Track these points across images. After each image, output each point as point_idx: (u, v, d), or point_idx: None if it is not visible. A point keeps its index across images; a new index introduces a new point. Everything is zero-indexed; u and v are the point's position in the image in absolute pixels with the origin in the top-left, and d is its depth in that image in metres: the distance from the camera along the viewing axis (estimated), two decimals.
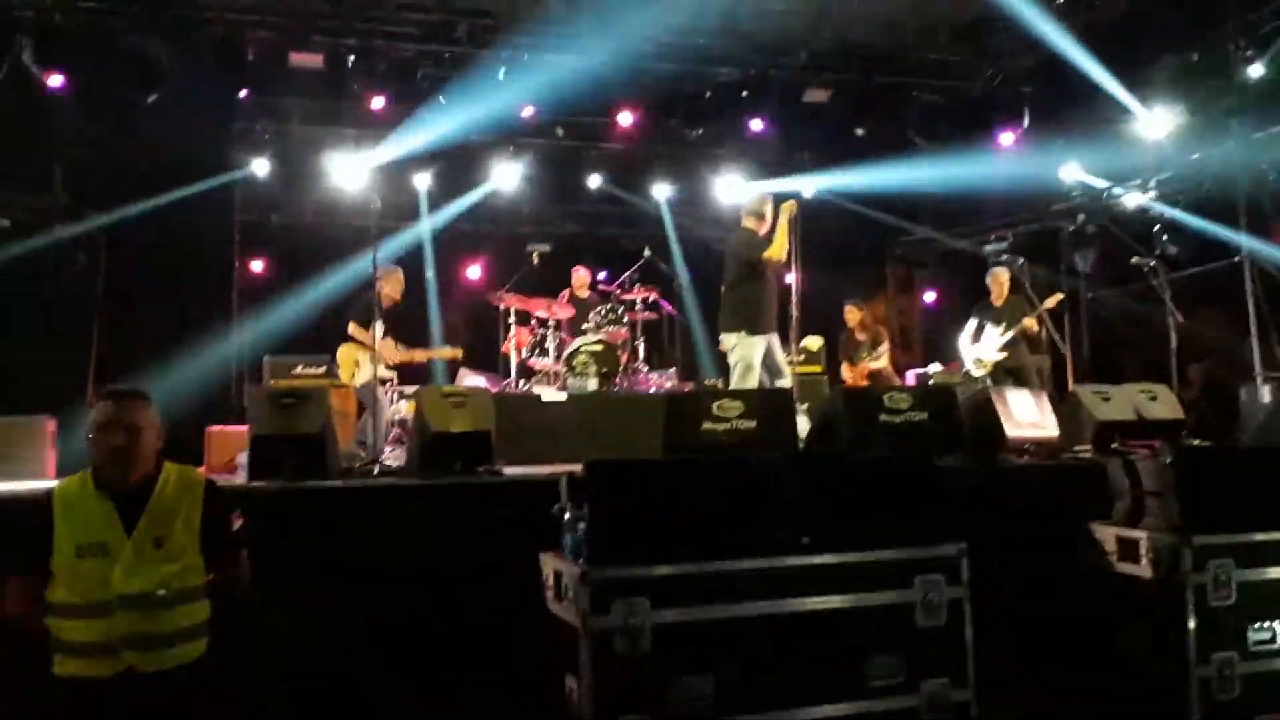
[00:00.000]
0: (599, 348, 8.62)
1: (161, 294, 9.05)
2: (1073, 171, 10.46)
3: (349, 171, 10.38)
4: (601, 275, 10.08)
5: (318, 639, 4.04)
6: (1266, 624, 3.89)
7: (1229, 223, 9.00)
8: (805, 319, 7.46)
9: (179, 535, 3.14)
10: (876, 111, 10.82)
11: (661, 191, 12.15)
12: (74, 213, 8.85)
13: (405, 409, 7.12)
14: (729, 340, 7.23)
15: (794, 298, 7.18)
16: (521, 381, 8.89)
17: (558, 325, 9.04)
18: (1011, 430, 5.57)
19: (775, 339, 7.25)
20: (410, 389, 7.39)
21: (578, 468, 3.62)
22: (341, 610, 4.11)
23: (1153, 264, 7.62)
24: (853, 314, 10.31)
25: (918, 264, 13.59)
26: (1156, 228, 9.77)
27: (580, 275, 9.86)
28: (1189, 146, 9.47)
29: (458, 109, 9.70)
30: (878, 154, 10.73)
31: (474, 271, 12.40)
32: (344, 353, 7.58)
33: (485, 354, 9.78)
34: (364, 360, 7.41)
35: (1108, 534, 4.27)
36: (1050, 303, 8.80)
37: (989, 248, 10.57)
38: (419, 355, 8.24)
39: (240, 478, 4.96)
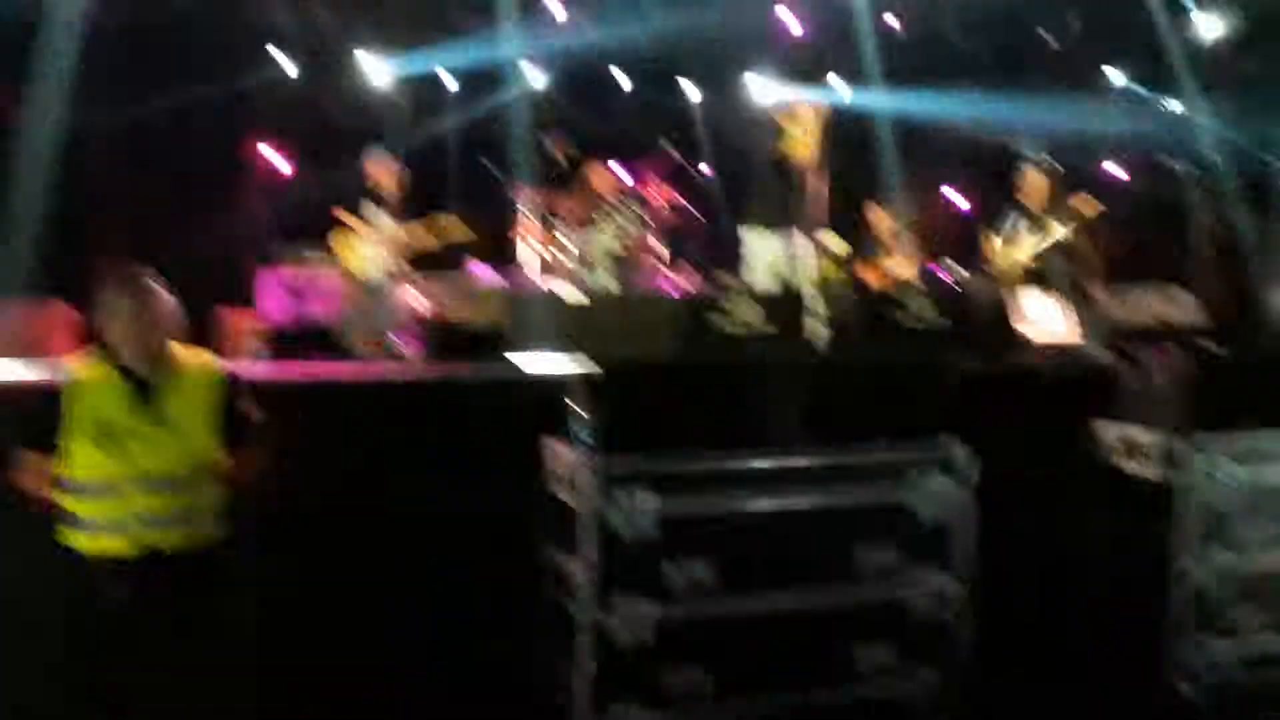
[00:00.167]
0: (618, 246, 8.59)
1: (176, 179, 9.03)
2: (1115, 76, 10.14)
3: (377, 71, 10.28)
4: (623, 174, 9.96)
5: (328, 527, 4.14)
6: (1261, 523, 3.93)
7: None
8: (828, 219, 7.40)
9: (194, 419, 3.19)
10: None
11: (691, 91, 11.92)
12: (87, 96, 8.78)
13: (419, 299, 7.13)
14: (751, 239, 7.21)
15: (816, 198, 7.10)
16: (539, 278, 8.89)
17: (578, 223, 8.99)
18: (1029, 333, 5.55)
19: (799, 238, 7.20)
20: (423, 279, 7.38)
21: (591, 364, 3.68)
22: (352, 498, 4.21)
23: (1187, 169, 7.45)
24: (877, 215, 10.16)
25: (942, 164, 13.33)
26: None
27: (601, 173, 9.75)
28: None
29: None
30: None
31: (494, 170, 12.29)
32: (341, 242, 7.48)
33: (503, 250, 9.76)
34: (366, 249, 7.34)
35: (1113, 433, 4.30)
36: (1087, 210, 8.59)
37: (1018, 148, 10.33)
38: (425, 240, 7.84)
39: (255, 362, 5.02)
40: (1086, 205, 8.57)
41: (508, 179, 9.71)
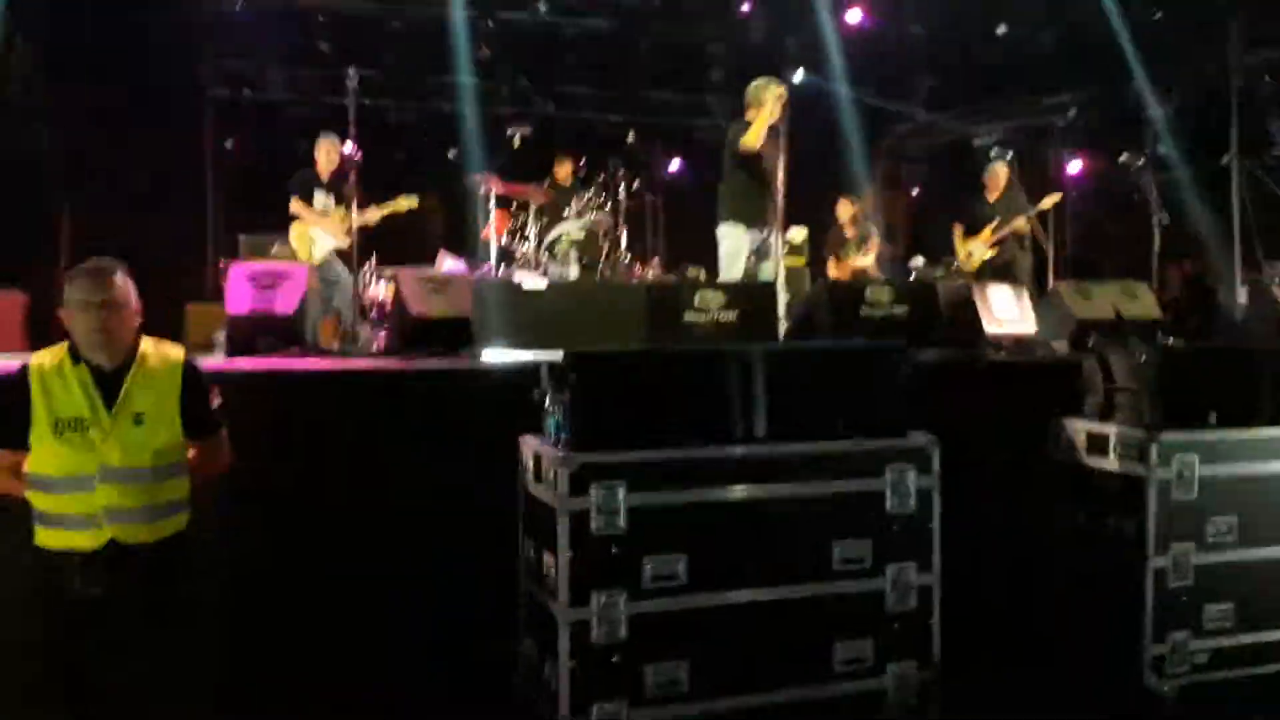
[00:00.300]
0: (581, 235, 8.53)
1: (134, 168, 8.84)
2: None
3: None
4: (584, 162, 9.91)
5: (296, 518, 4.09)
6: (1224, 518, 4.00)
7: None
8: (791, 211, 7.39)
9: (159, 411, 3.14)
10: None
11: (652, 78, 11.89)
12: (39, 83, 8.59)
13: (384, 291, 7.06)
14: (720, 230, 7.19)
15: (780, 189, 7.09)
16: (501, 267, 8.82)
17: (540, 211, 8.92)
18: (990, 326, 5.62)
19: (767, 231, 7.18)
20: (389, 270, 7.29)
21: (558, 355, 3.66)
22: (320, 490, 4.16)
23: (1140, 163, 7.58)
24: (845, 208, 10.18)
25: (906, 158, 13.44)
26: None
27: (563, 161, 9.70)
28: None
29: None
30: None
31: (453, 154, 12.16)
32: (295, 231, 7.37)
33: (464, 238, 9.68)
34: (318, 235, 7.23)
35: (1078, 428, 4.35)
36: (1047, 203, 8.73)
37: (979, 141, 10.45)
38: (371, 215, 7.65)
39: (218, 356, 4.95)
40: (1047, 198, 8.72)
41: (473, 170, 9.63)
